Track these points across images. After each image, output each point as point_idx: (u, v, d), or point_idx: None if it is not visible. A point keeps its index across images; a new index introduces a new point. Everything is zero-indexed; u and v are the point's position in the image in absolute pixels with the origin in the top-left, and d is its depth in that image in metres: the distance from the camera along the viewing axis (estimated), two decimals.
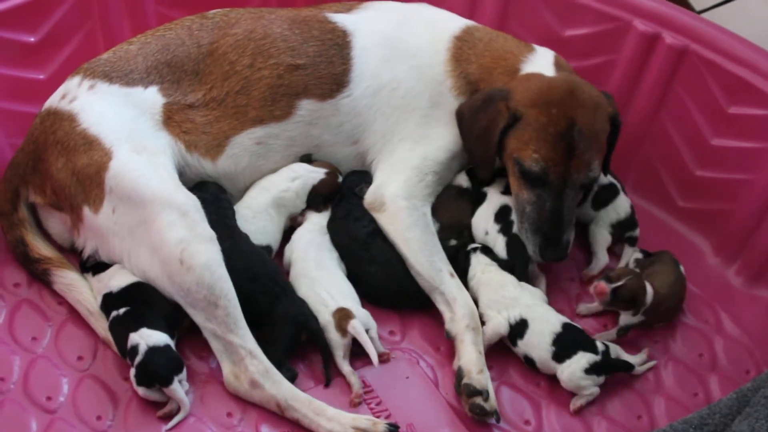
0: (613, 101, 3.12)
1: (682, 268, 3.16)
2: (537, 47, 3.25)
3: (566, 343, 2.87)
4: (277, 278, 2.93)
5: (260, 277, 2.89)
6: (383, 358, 2.89)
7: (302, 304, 2.90)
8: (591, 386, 2.85)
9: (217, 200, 3.05)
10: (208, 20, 3.24)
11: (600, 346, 2.88)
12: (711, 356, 3.10)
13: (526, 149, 3.00)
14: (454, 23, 3.33)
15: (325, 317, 2.87)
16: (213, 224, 2.88)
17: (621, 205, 3.31)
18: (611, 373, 2.90)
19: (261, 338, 2.80)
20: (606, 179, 3.32)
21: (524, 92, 3.03)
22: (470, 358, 2.84)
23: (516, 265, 3.07)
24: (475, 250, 3.10)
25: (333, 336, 2.85)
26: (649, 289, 2.98)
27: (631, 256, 3.28)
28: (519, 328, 2.91)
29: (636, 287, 2.96)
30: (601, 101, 3.05)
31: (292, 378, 2.79)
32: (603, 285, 2.95)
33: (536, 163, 2.98)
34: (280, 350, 2.81)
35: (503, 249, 3.10)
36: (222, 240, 2.86)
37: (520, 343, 2.92)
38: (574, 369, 2.84)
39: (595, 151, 3.01)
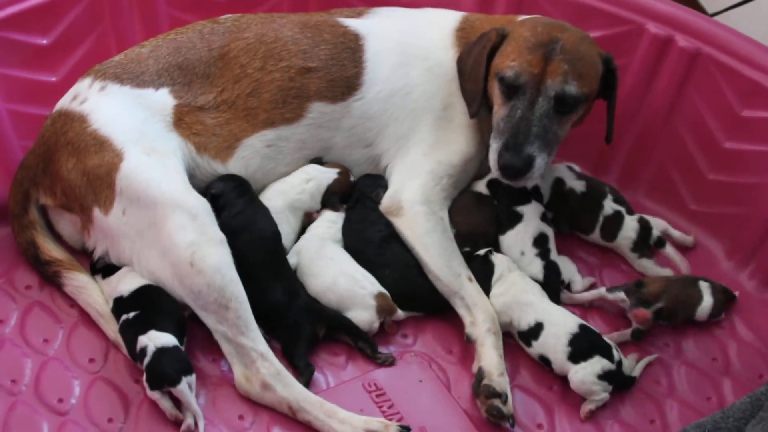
0: (611, 57, 3.09)
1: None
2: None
3: (583, 345, 2.86)
4: (293, 275, 2.97)
5: (282, 277, 2.93)
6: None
7: (315, 301, 2.93)
8: (601, 392, 2.84)
9: (242, 185, 3.09)
10: (220, 25, 3.25)
11: (616, 355, 2.86)
12: (724, 360, 3.08)
13: (506, 60, 3.02)
14: (453, 17, 3.37)
15: (367, 299, 2.92)
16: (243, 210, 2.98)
17: (628, 228, 3.32)
18: (619, 384, 2.89)
19: (277, 337, 2.86)
20: (610, 209, 3.32)
21: (517, 23, 3.11)
22: (492, 360, 2.84)
23: (549, 287, 3.09)
24: (491, 251, 3.10)
25: (366, 316, 2.91)
26: (704, 292, 3.03)
27: (673, 255, 3.34)
28: (534, 331, 2.92)
29: (676, 301, 2.97)
30: (592, 39, 3.07)
31: (311, 373, 2.80)
32: (643, 312, 2.95)
33: (512, 68, 2.99)
34: (301, 348, 2.83)
35: (540, 272, 3.11)
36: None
37: (535, 344, 2.92)
38: (587, 372, 2.83)
39: (576, 71, 2.97)
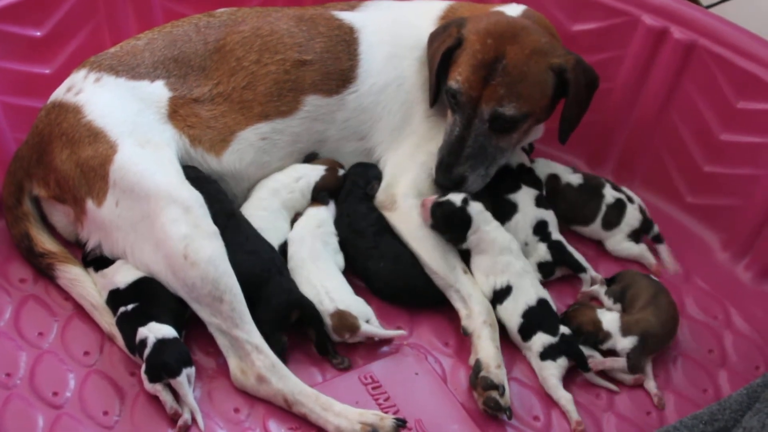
0: (575, 59, 3.05)
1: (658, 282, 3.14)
2: (514, 4, 3.30)
3: (533, 319, 2.92)
4: (274, 257, 2.94)
5: (259, 253, 2.91)
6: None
7: (294, 284, 2.91)
8: (555, 377, 2.85)
9: (198, 180, 3.00)
10: (216, 18, 3.25)
11: (563, 329, 2.90)
12: (720, 352, 3.08)
13: (455, 71, 3.05)
14: (438, 6, 3.38)
15: (323, 316, 2.87)
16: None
17: (632, 216, 3.32)
18: (574, 358, 2.88)
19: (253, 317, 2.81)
20: (611, 197, 3.32)
21: (476, 21, 3.09)
22: (488, 352, 2.84)
23: (565, 261, 3.15)
24: (466, 201, 3.04)
25: (329, 333, 2.88)
26: (609, 317, 2.96)
27: (667, 256, 3.34)
28: (502, 294, 2.97)
29: (581, 318, 2.98)
30: (547, 50, 3.02)
31: (282, 349, 2.78)
32: None
33: (455, 82, 3.03)
34: (270, 327, 2.80)
35: (547, 252, 3.14)
36: (221, 220, 2.90)
37: (498, 307, 2.97)
38: (533, 354, 2.90)
39: (516, 92, 2.99)
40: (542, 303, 2.95)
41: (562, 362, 2.86)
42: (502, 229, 3.09)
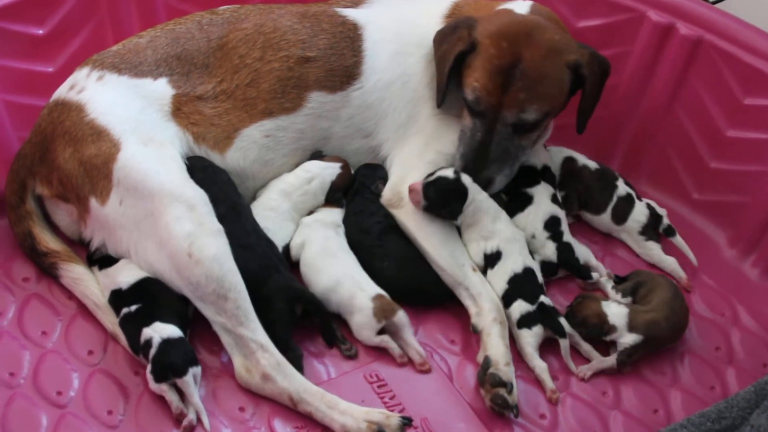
0: (589, 53, 3.07)
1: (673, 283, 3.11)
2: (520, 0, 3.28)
3: (516, 287, 2.96)
4: (270, 253, 2.92)
5: (253, 248, 2.89)
6: (425, 368, 2.87)
7: (292, 279, 2.90)
8: (530, 346, 2.87)
9: (206, 169, 3.02)
10: (218, 16, 3.24)
11: (542, 299, 2.92)
12: (728, 349, 3.07)
13: (470, 77, 3.04)
14: (444, 4, 3.36)
15: (364, 300, 2.88)
16: (214, 197, 2.89)
17: (639, 212, 3.31)
18: (549, 326, 2.90)
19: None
20: (623, 190, 3.32)
21: (487, 23, 3.07)
22: (498, 350, 2.83)
23: (569, 266, 3.14)
24: (457, 172, 3.03)
25: (366, 320, 2.87)
26: (615, 310, 2.94)
27: (683, 245, 3.31)
28: (492, 259, 3.01)
29: (585, 311, 2.96)
30: (562, 47, 3.02)
31: (298, 357, 2.78)
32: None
33: (473, 90, 3.03)
34: (281, 330, 2.79)
35: (554, 253, 3.13)
36: (223, 212, 2.89)
37: (489, 272, 3.00)
38: (512, 323, 2.91)
39: (536, 94, 2.99)
40: (528, 272, 2.98)
41: (538, 330, 2.89)
42: (490, 199, 3.10)
